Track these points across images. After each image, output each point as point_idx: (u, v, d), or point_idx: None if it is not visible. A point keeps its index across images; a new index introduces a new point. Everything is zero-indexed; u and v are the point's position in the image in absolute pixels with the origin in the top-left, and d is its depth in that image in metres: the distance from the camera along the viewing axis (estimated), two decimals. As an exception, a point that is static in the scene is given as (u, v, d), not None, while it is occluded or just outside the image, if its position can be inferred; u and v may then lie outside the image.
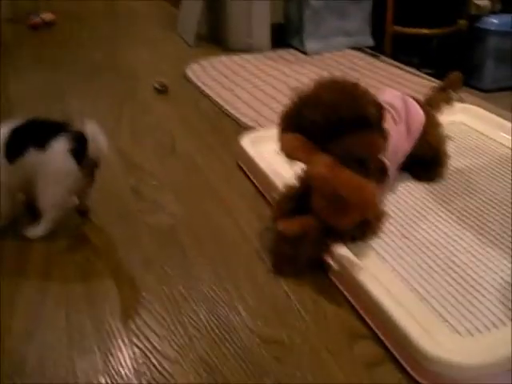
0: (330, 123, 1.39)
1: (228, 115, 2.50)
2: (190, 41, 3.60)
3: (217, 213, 1.81)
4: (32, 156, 1.62)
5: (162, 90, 2.78)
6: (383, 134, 1.46)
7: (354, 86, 1.45)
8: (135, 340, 1.34)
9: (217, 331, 1.35)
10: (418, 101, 1.87)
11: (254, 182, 1.93)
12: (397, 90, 1.92)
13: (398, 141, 1.69)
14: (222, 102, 2.62)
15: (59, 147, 1.62)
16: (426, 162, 1.84)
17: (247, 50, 3.41)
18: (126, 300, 1.46)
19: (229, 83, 2.89)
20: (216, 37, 3.66)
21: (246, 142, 2.04)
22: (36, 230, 1.71)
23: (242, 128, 2.35)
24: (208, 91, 2.77)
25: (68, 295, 1.48)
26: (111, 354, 1.30)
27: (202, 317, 1.39)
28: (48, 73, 3.14)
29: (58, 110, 2.49)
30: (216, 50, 3.48)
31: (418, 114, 1.80)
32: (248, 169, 1.98)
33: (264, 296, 1.46)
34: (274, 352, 1.28)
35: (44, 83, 2.95)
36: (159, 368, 1.26)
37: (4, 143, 1.63)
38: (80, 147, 1.62)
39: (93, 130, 1.62)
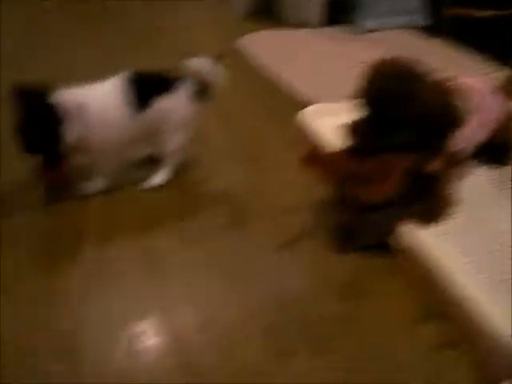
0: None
1: (283, 88, 2.47)
2: (241, 14, 3.56)
3: (276, 184, 1.80)
4: (159, 102, 1.64)
5: (217, 61, 2.74)
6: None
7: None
8: (196, 303, 1.33)
9: (281, 303, 1.34)
10: (495, 90, 1.80)
11: (315, 154, 1.90)
12: (474, 79, 1.85)
13: (472, 130, 1.64)
14: (276, 75, 2.59)
15: (185, 92, 1.67)
16: (498, 148, 1.79)
17: (299, 25, 3.36)
18: (189, 264, 1.45)
19: (282, 57, 2.85)
20: (267, 11, 3.60)
21: (306, 115, 2.01)
22: (156, 179, 1.76)
23: (298, 101, 2.32)
24: (262, 64, 2.74)
25: (129, 257, 1.48)
26: (175, 317, 1.30)
27: (262, 286, 1.38)
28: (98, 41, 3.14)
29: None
30: (267, 24, 3.43)
31: (495, 104, 1.74)
32: (307, 141, 1.95)
33: (327, 271, 1.44)
34: (338, 327, 1.27)
35: (84, 56, 2.95)
36: (222, 332, 1.25)
37: (126, 93, 1.63)
38: (202, 90, 1.69)
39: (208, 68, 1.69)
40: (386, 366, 1.18)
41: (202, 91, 1.69)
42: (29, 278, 1.39)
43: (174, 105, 1.66)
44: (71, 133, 1.54)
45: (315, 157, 1.50)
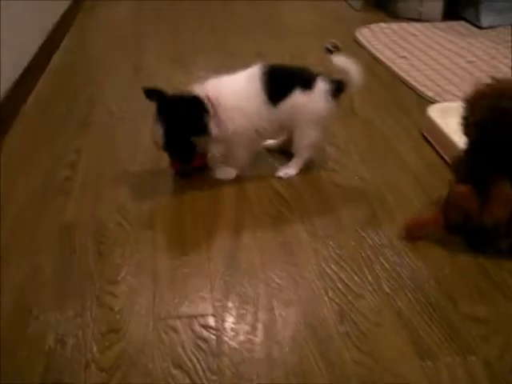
0: None
1: (405, 83, 2.44)
2: (357, 5, 3.53)
3: (404, 179, 1.78)
4: (298, 97, 1.66)
5: (334, 51, 2.74)
6: None
7: None
8: (332, 295, 1.34)
9: (416, 301, 1.33)
10: None
11: (442, 153, 1.87)
12: None
13: None
14: (397, 70, 2.55)
15: (323, 89, 1.67)
16: None
17: (417, 18, 3.30)
18: (321, 256, 1.46)
19: (401, 51, 2.81)
20: (383, 3, 3.55)
21: (434, 112, 1.98)
22: (288, 170, 1.79)
23: (421, 97, 2.29)
24: (381, 57, 2.71)
25: (262, 245, 1.50)
26: (311, 308, 1.31)
27: (397, 283, 1.38)
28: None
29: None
30: (383, 16, 3.39)
31: None
32: (435, 139, 1.92)
33: (462, 272, 1.42)
34: (479, 330, 1.25)
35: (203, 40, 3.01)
36: (361, 326, 1.25)
37: (262, 86, 1.65)
38: (338, 88, 1.68)
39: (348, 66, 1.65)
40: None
41: (338, 89, 1.68)
42: (162, 261, 1.45)
43: (311, 101, 1.66)
44: (215, 125, 1.61)
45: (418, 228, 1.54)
